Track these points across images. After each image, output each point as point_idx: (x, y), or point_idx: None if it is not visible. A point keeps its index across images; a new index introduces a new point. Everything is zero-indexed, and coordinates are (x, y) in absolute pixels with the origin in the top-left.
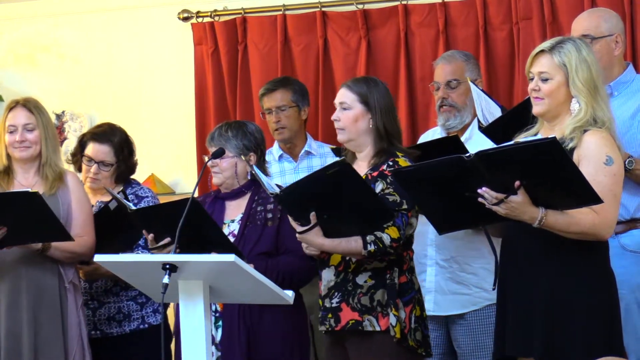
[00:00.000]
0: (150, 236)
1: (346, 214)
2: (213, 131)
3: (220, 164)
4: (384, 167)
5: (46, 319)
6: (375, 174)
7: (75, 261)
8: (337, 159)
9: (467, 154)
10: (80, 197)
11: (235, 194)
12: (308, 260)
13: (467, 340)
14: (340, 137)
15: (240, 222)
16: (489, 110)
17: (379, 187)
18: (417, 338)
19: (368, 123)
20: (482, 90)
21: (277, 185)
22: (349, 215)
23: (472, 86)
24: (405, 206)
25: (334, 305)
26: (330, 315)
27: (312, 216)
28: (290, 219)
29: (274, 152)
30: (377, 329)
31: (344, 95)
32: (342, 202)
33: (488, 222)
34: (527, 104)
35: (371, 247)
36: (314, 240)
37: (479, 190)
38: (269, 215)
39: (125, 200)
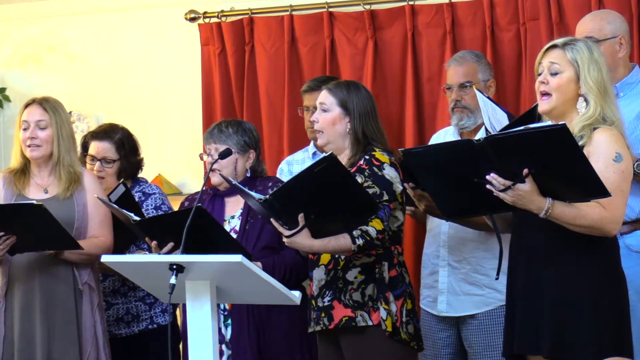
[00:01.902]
0: (154, 243)
1: (334, 211)
2: (211, 128)
3: (221, 162)
4: (361, 162)
5: (60, 321)
6: (353, 169)
7: (92, 262)
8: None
9: (477, 138)
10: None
11: (234, 191)
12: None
13: (478, 340)
14: (320, 141)
15: (240, 217)
16: (496, 118)
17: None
18: (409, 331)
19: (346, 127)
20: (488, 98)
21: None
22: (337, 212)
23: (479, 94)
24: (385, 197)
25: (326, 304)
26: (323, 315)
27: (301, 218)
28: (276, 224)
29: (309, 150)
30: (370, 323)
31: (323, 97)
32: (330, 199)
33: (495, 210)
34: (534, 111)
35: (360, 241)
36: (303, 242)
37: (487, 177)
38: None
39: (126, 211)
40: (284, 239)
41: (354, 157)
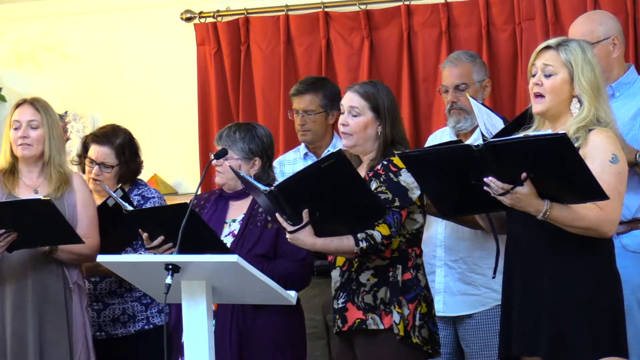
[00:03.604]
0: (145, 235)
1: (339, 211)
2: (222, 130)
3: (224, 165)
4: (379, 166)
5: (51, 319)
6: (371, 174)
7: (80, 263)
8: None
9: (476, 144)
10: (85, 199)
11: (239, 195)
12: (304, 265)
13: (476, 339)
14: (347, 142)
15: (241, 222)
16: (491, 123)
17: (372, 186)
18: (423, 335)
19: (376, 130)
20: (482, 104)
21: (268, 184)
22: (342, 212)
23: (472, 101)
24: (397, 204)
25: (340, 305)
26: (338, 317)
27: (305, 214)
28: (280, 219)
29: (300, 150)
30: (381, 327)
31: (354, 100)
32: (335, 197)
33: (492, 210)
34: (527, 112)
35: (363, 244)
36: (305, 239)
37: (485, 180)
38: (269, 218)
39: (120, 200)
40: (287, 235)
41: (373, 160)
